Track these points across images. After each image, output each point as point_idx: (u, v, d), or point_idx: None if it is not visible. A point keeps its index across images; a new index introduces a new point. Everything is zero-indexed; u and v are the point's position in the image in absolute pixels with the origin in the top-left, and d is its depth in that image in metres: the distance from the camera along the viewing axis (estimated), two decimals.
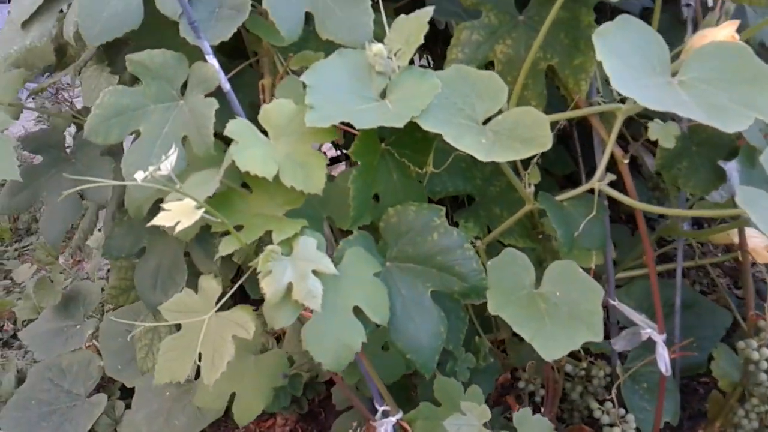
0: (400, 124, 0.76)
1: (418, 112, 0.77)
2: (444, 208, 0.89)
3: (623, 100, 0.91)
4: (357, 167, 0.84)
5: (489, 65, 1.00)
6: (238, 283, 0.88)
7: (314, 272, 0.76)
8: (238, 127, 0.79)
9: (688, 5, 1.07)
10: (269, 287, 0.75)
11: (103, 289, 2.07)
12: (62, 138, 1.18)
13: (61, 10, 0.98)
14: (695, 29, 1.07)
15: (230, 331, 0.85)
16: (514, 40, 0.99)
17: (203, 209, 0.69)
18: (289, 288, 0.75)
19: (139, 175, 0.61)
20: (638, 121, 1.08)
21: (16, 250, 3.11)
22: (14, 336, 2.55)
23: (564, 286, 0.90)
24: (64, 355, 1.83)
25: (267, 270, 0.75)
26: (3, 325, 2.65)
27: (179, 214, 0.68)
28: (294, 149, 0.80)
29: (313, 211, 0.89)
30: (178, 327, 0.87)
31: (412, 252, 0.88)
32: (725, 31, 0.88)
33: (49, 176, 1.12)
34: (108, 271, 2.46)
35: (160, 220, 0.68)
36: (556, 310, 0.87)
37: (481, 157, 0.77)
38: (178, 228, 0.67)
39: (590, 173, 1.07)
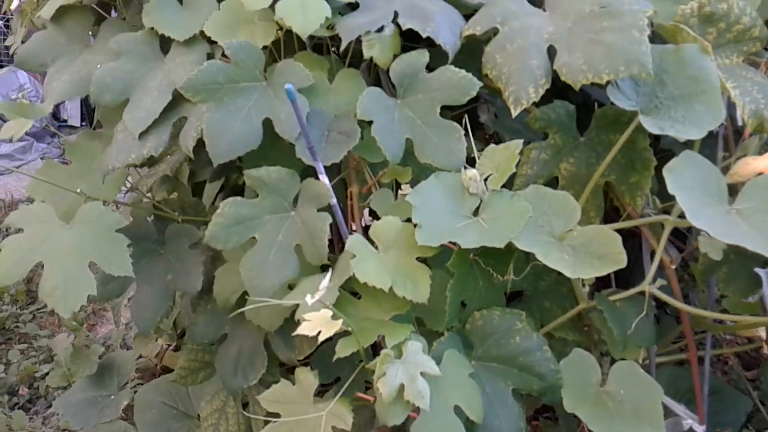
0: (501, 245, 0.87)
1: (515, 234, 0.88)
2: (524, 313, 0.99)
3: (668, 212, 1.04)
4: (453, 277, 0.95)
5: (554, 180, 1.12)
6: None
7: (422, 374, 0.86)
8: (356, 242, 0.90)
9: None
10: (384, 388, 0.84)
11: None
12: (152, 230, 1.27)
13: (174, 123, 1.09)
14: (726, 145, 1.21)
15: (329, 423, 0.94)
16: (576, 158, 1.11)
17: (341, 320, 0.79)
18: (401, 389, 0.85)
19: (309, 299, 0.71)
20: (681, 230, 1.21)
21: (31, 312, 3.14)
22: (30, 401, 2.57)
23: (627, 384, 1.00)
24: (100, 426, 1.87)
25: (382, 372, 0.85)
26: (19, 389, 2.67)
27: (320, 324, 0.77)
28: (402, 262, 0.91)
29: (406, 313, 0.98)
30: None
31: (496, 353, 0.98)
32: (766, 162, 1.02)
33: (140, 266, 1.21)
34: (131, 339, 2.50)
35: (304, 329, 0.77)
36: (622, 408, 0.98)
37: (568, 273, 0.89)
38: (321, 337, 0.77)
39: (633, 273, 1.19)
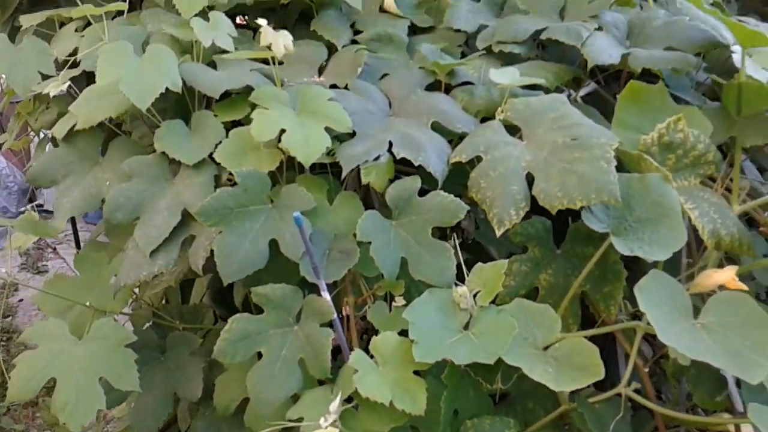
0: (491, 361, 0.95)
1: (503, 350, 0.97)
2: (512, 421, 1.06)
3: (639, 316, 1.13)
4: (447, 389, 1.02)
5: (535, 290, 1.22)
6: None
7: None
8: (358, 358, 0.97)
9: None
10: None
11: None
12: (153, 337, 1.32)
13: (183, 241, 1.17)
14: (689, 252, 1.32)
15: None
16: (554, 270, 1.21)
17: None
18: None
19: (323, 423, 0.78)
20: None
21: (6, 406, 3.09)
22: None
23: None
24: None
25: None
26: None
27: None
28: (400, 375, 0.98)
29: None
30: None
31: None
32: (727, 275, 1.12)
33: (142, 374, 1.25)
34: None
35: None
36: None
37: (552, 386, 0.97)
38: None
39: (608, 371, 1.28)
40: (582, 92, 1.48)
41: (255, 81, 1.27)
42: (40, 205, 5.84)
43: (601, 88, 1.49)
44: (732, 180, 1.23)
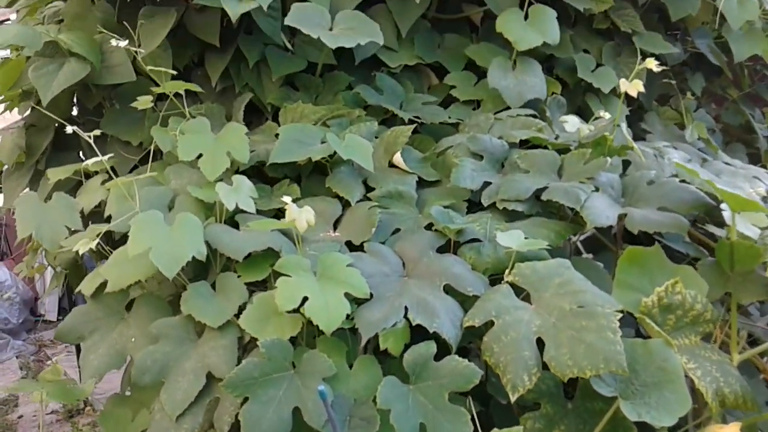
0: None
1: None
2: None
3: None
4: None
5: None
6: None
7: None
8: None
9: None
10: None
11: None
12: None
13: (208, 403, 1.21)
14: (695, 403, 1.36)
15: None
16: (566, 426, 1.25)
17: None
18: None
19: None
20: None
21: None
22: None
23: None
24: None
25: None
26: None
27: None
28: None
29: None
30: None
31: None
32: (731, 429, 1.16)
33: None
34: None
35: None
36: None
37: None
38: None
39: None
40: (582, 237, 1.57)
41: (276, 243, 1.36)
42: (41, 316, 5.85)
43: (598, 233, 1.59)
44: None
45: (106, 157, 1.54)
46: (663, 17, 2.31)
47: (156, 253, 1.26)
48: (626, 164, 1.68)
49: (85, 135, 1.39)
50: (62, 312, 5.72)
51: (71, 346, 2.98)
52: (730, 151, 2.54)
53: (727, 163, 1.92)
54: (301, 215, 1.23)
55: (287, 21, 1.69)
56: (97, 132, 1.48)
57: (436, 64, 2.02)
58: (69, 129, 1.41)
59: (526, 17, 1.92)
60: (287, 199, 1.26)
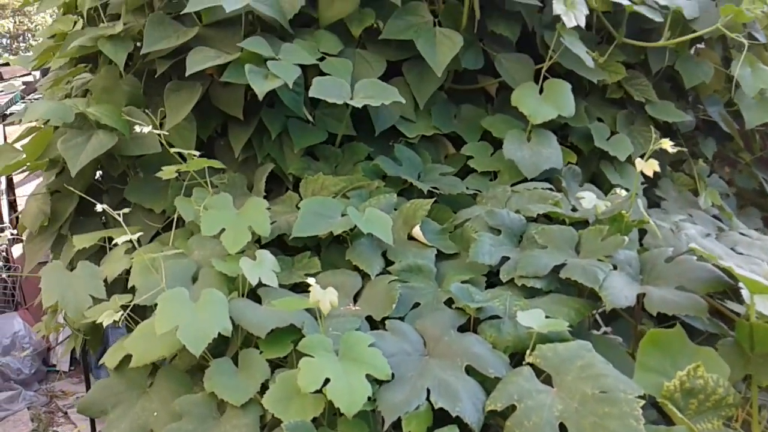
0: None
1: None
2: None
3: None
4: None
5: None
6: None
7: None
8: None
9: None
10: None
11: None
12: None
13: None
14: None
15: None
16: None
17: None
18: None
19: None
20: None
21: None
22: None
23: None
24: None
25: None
26: None
27: None
28: None
29: None
30: None
31: None
32: None
33: None
34: None
35: None
36: None
37: None
38: None
39: None
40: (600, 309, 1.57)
41: (298, 319, 1.37)
42: (53, 366, 5.84)
43: None
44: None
45: (134, 236, 1.55)
46: (675, 85, 2.35)
47: (183, 331, 1.28)
48: (642, 232, 1.70)
49: (114, 213, 1.42)
50: (74, 362, 5.72)
51: (82, 394, 2.98)
52: (744, 215, 2.55)
53: (742, 233, 1.94)
54: (325, 297, 1.25)
55: (311, 93, 1.74)
56: (126, 210, 1.51)
57: (452, 134, 2.06)
58: (99, 207, 1.44)
59: (541, 90, 1.97)
60: (311, 280, 1.28)
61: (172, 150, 1.69)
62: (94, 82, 1.94)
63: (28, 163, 1.98)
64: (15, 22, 15.75)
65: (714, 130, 2.56)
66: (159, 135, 1.69)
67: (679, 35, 2.10)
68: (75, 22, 2.03)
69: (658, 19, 2.03)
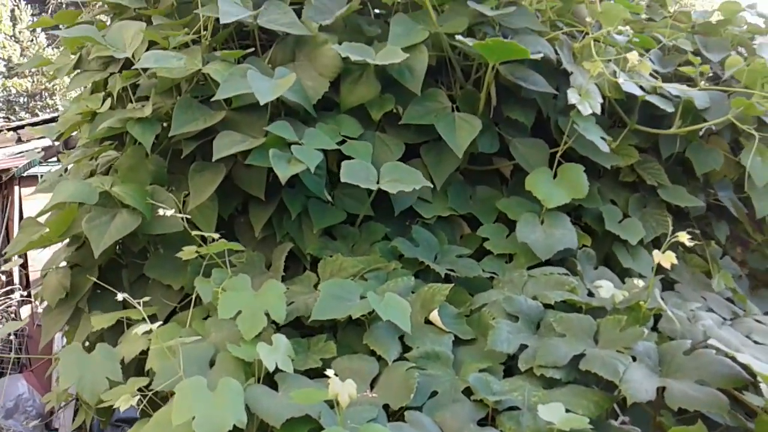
0: None
1: None
2: None
3: None
4: None
5: None
6: None
7: None
8: None
9: None
10: None
11: None
12: None
13: None
14: None
15: None
16: None
17: None
18: None
19: None
20: None
21: None
22: None
23: None
24: None
25: None
26: None
27: None
28: None
29: None
30: None
31: None
32: None
33: None
34: None
35: None
36: None
37: None
38: None
39: None
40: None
41: (315, 409, 1.37)
42: (56, 429, 5.75)
43: None
44: None
45: (154, 326, 1.55)
46: (687, 168, 2.39)
47: (199, 422, 1.27)
48: (658, 316, 1.70)
49: (135, 302, 1.44)
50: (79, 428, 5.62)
51: None
52: (757, 296, 2.55)
53: (758, 320, 1.93)
54: (344, 390, 1.25)
55: (343, 178, 1.78)
56: (147, 298, 1.54)
57: (468, 214, 2.09)
58: (119, 296, 1.46)
59: (555, 174, 2.00)
60: (330, 372, 1.28)
61: (194, 233, 1.71)
62: (120, 162, 1.99)
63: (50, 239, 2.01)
64: (33, 82, 16.15)
65: (726, 212, 2.58)
66: (183, 221, 1.72)
67: (690, 123, 2.15)
68: (103, 101, 2.09)
69: (670, 109, 2.09)
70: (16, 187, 5.59)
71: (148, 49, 1.94)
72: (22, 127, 6.25)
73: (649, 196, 2.28)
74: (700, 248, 2.52)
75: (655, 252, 1.49)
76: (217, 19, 1.87)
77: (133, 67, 1.94)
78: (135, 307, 1.50)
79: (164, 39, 1.93)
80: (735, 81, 2.36)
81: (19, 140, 6.45)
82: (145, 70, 1.95)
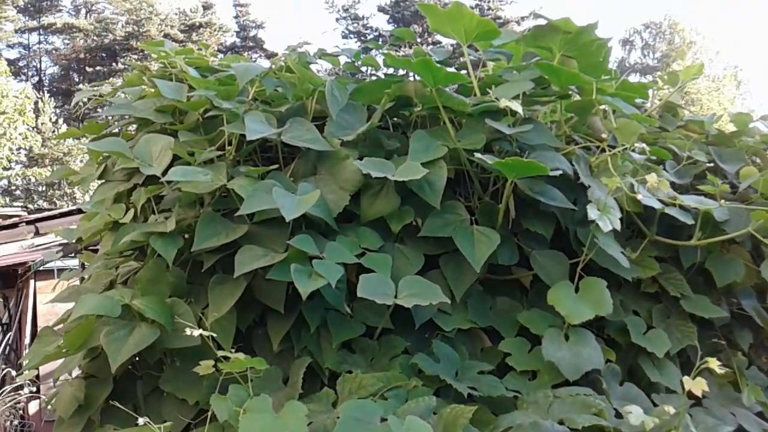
0: None
1: None
2: None
3: None
4: None
5: None
6: None
7: None
8: None
9: None
10: None
11: None
12: None
13: None
14: None
15: None
16: None
17: None
18: None
19: None
20: None
21: None
22: None
23: None
24: None
25: None
26: None
27: None
28: None
29: None
30: None
31: None
32: None
33: None
34: None
35: None
36: None
37: None
38: None
39: None
40: None
41: None
42: None
43: None
44: None
45: None
46: (708, 278, 2.37)
47: None
48: None
49: (155, 427, 1.40)
50: None
51: None
52: None
53: None
54: None
55: (359, 293, 1.76)
56: (168, 424, 1.50)
57: (489, 327, 2.06)
58: (141, 421, 1.43)
59: (577, 288, 1.99)
60: None
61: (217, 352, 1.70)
62: (140, 274, 1.99)
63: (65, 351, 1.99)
64: (52, 171, 16.64)
65: (749, 320, 2.54)
66: (201, 335, 1.70)
67: (709, 233, 2.15)
68: (126, 211, 2.12)
69: (690, 221, 2.09)
70: (32, 281, 5.61)
71: (171, 162, 1.99)
72: (40, 220, 6.34)
73: (671, 306, 2.25)
74: (725, 356, 2.47)
75: (685, 378, 1.46)
76: (242, 135, 1.92)
77: (159, 181, 1.98)
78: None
79: (189, 155, 1.98)
80: (752, 191, 2.38)
81: (37, 232, 6.53)
82: (169, 182, 1.98)
